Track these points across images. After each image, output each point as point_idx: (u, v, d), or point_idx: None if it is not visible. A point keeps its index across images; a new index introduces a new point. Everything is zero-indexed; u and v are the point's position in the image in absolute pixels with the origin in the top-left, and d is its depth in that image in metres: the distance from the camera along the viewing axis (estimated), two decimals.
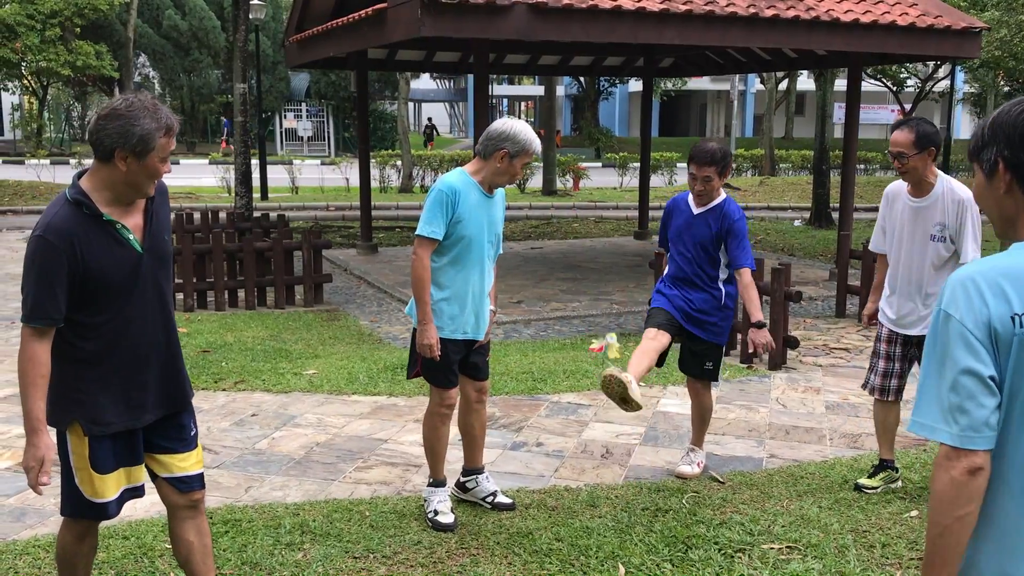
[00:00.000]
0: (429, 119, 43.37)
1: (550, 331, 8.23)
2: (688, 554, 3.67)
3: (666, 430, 5.30)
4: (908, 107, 22.65)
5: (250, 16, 16.36)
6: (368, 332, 8.14)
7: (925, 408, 1.63)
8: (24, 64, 23.15)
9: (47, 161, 27.09)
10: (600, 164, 31.01)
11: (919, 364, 4.31)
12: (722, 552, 3.69)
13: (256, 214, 13.51)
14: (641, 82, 15.29)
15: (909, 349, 4.32)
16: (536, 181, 23.16)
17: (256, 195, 17.71)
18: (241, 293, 9.26)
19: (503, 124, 3.79)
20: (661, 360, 4.40)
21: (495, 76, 37.22)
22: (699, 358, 4.44)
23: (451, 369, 3.90)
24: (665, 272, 4.54)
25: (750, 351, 4.18)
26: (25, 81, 27.44)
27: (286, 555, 3.63)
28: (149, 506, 3.99)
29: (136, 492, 2.81)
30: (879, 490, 4.36)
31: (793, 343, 6.83)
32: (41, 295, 2.49)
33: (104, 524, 3.88)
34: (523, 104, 57.46)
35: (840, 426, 5.44)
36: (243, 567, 3.53)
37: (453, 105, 59.40)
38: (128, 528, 3.83)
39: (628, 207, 19.23)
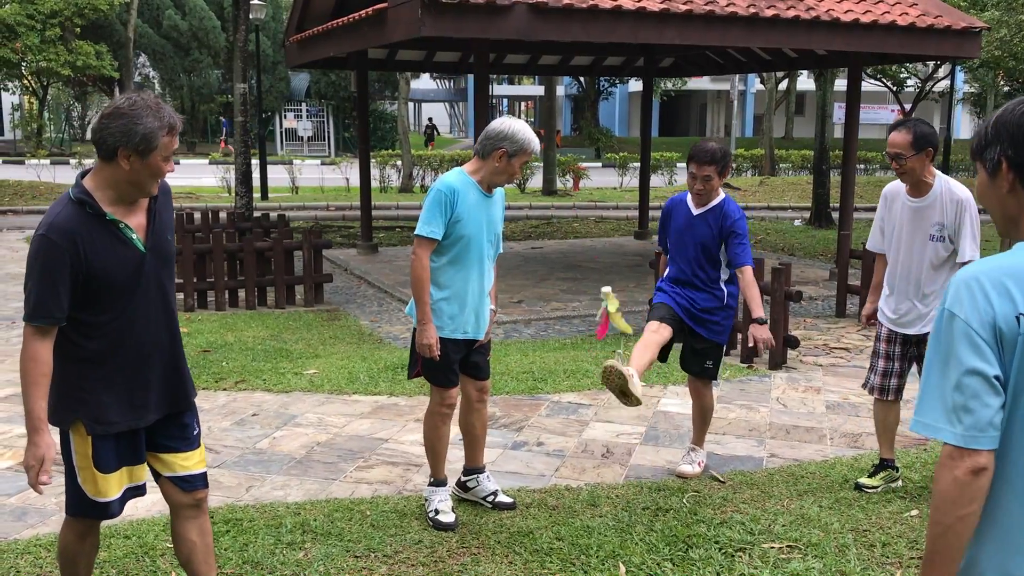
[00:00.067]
0: (430, 119, 43.38)
1: (550, 331, 8.24)
2: (689, 553, 3.68)
3: (667, 430, 5.30)
4: (908, 107, 22.66)
5: (250, 16, 16.36)
6: (368, 332, 8.14)
7: (928, 407, 1.62)
8: (24, 64, 23.16)
9: (47, 161, 27.10)
10: (600, 164, 31.02)
11: (919, 363, 4.33)
12: (723, 551, 3.70)
13: (256, 214, 13.51)
14: (641, 82, 15.30)
15: (908, 348, 4.33)
16: (536, 181, 23.16)
17: (256, 195, 17.72)
18: (241, 293, 9.27)
19: (501, 123, 3.79)
20: (664, 355, 4.40)
21: (495, 76, 37.22)
22: (700, 356, 4.45)
23: (451, 369, 3.91)
24: (665, 273, 4.54)
25: (750, 345, 4.18)
26: (25, 81, 27.45)
27: (287, 554, 3.63)
28: (150, 505, 4.00)
29: (138, 491, 2.82)
30: (879, 489, 4.37)
31: (793, 343, 6.84)
32: (44, 294, 2.50)
33: (106, 523, 3.88)
34: (523, 104, 57.46)
35: (840, 426, 5.44)
36: (244, 566, 3.53)
37: (453, 105, 59.41)
38: (129, 527, 3.84)
39: (628, 207, 19.24)
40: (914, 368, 4.39)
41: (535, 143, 3.78)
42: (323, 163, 29.60)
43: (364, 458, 4.80)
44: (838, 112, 23.61)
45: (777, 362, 6.77)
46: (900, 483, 4.45)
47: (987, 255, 1.89)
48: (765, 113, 29.84)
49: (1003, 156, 1.65)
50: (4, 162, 28.16)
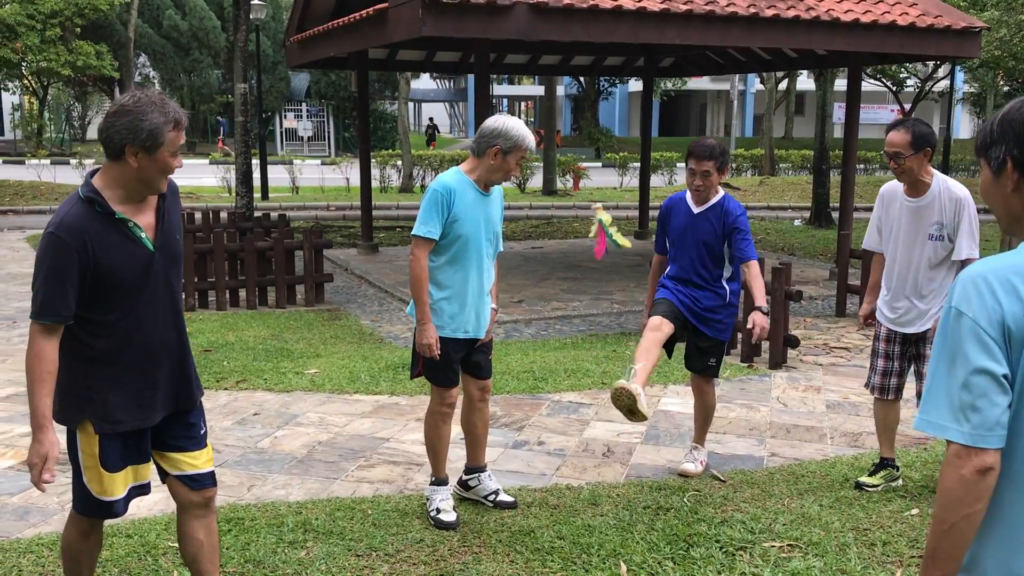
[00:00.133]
0: (431, 119, 43.39)
1: (551, 330, 8.24)
2: (690, 552, 3.68)
3: (667, 429, 5.31)
4: (908, 107, 22.66)
5: (250, 16, 16.37)
6: (369, 331, 8.15)
7: (934, 406, 1.61)
8: (24, 64, 23.16)
9: (47, 161, 27.09)
10: (600, 164, 31.02)
11: (917, 362, 4.34)
12: (723, 550, 3.71)
13: (257, 214, 13.51)
14: (641, 82, 15.30)
15: (908, 347, 4.34)
16: (536, 181, 23.17)
17: (256, 195, 17.73)
18: (242, 293, 9.27)
19: (495, 121, 3.79)
20: (670, 351, 4.42)
21: (495, 76, 37.21)
22: (704, 354, 4.46)
23: (452, 368, 3.91)
24: (666, 271, 4.53)
25: (748, 327, 4.16)
26: (25, 81, 27.45)
27: (289, 553, 3.64)
28: (152, 504, 4.01)
29: (143, 490, 2.82)
30: (880, 488, 4.38)
31: (793, 342, 6.84)
32: (51, 292, 2.50)
33: (108, 522, 3.90)
34: (523, 104, 57.46)
35: (841, 425, 5.45)
36: (246, 565, 3.54)
37: (453, 105, 59.41)
38: (131, 526, 3.84)
39: (628, 207, 19.23)
40: (912, 367, 4.40)
41: (529, 139, 3.78)
42: (323, 163, 29.61)
43: (365, 457, 4.81)
44: (838, 112, 23.63)
45: (777, 361, 6.78)
46: (900, 482, 4.46)
47: (986, 254, 1.90)
48: (765, 113, 29.85)
49: (1008, 156, 1.65)
50: (4, 162, 28.17)
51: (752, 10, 8.37)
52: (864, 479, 4.42)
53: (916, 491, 4.39)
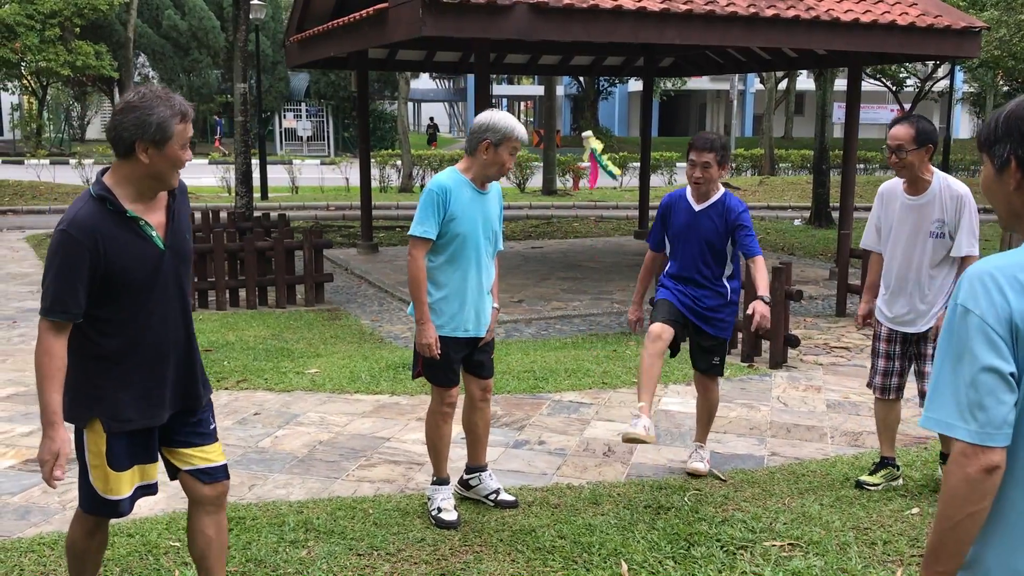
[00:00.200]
0: (431, 119, 43.43)
1: (551, 330, 8.25)
2: (690, 551, 3.69)
3: (668, 428, 5.31)
4: (908, 107, 22.68)
5: (250, 16, 16.37)
6: (369, 331, 8.15)
7: (940, 404, 1.60)
8: (24, 64, 23.16)
9: (47, 161, 27.11)
10: None
11: (918, 362, 4.34)
12: (724, 549, 3.71)
13: (256, 214, 13.51)
14: (641, 82, 15.30)
15: (908, 347, 4.34)
16: (536, 181, 23.18)
17: (256, 195, 17.72)
18: (242, 292, 9.28)
19: (483, 116, 3.81)
20: (674, 351, 4.41)
21: (495, 76, 37.23)
22: (708, 353, 4.45)
23: (452, 368, 3.91)
24: (666, 269, 4.50)
25: (749, 313, 4.14)
26: (25, 81, 27.44)
27: (290, 552, 3.64)
28: (153, 504, 4.01)
29: (149, 489, 2.81)
30: (880, 487, 4.38)
31: (794, 342, 6.85)
32: (62, 289, 2.50)
33: (110, 521, 3.90)
34: (523, 104, 57.46)
35: (841, 424, 5.45)
36: (247, 564, 3.54)
37: (453, 105, 59.42)
38: (133, 526, 3.84)
39: (628, 207, 19.25)
40: (913, 366, 4.40)
41: (519, 130, 3.77)
42: (323, 163, 29.61)
43: (366, 457, 4.81)
44: (838, 112, 23.62)
45: (778, 361, 6.79)
46: (901, 481, 4.47)
47: (986, 253, 1.90)
48: (765, 113, 29.85)
49: (1012, 155, 1.64)
50: (3, 162, 28.16)
51: (752, 10, 8.37)
52: (865, 478, 4.43)
53: (916, 490, 4.39)
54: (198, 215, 11.98)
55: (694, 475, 4.52)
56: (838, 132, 14.85)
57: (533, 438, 5.13)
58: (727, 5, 8.33)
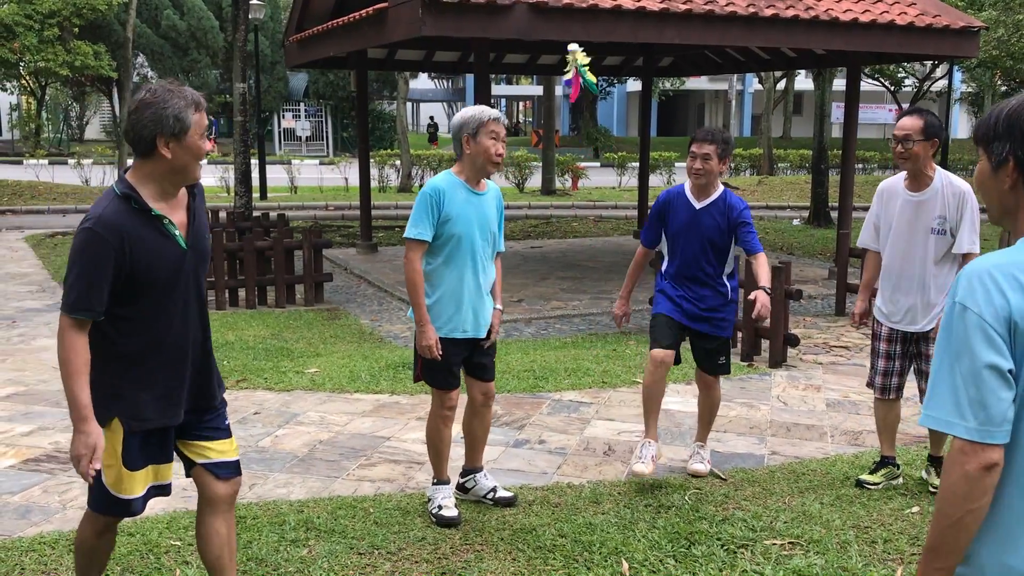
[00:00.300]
0: (431, 118, 43.46)
1: (551, 329, 8.25)
2: (691, 550, 3.69)
3: (668, 427, 5.31)
4: (906, 107, 22.67)
5: (249, 16, 16.36)
6: (369, 331, 8.16)
7: (940, 402, 1.60)
8: (22, 64, 23.12)
9: (45, 161, 27.09)
10: (599, 164, 31.03)
11: (918, 361, 4.34)
12: (725, 548, 3.71)
13: (255, 214, 13.51)
14: (639, 82, 15.31)
15: (908, 346, 4.33)
16: (535, 181, 23.18)
17: (255, 195, 17.72)
18: (242, 292, 9.27)
19: (454, 119, 3.87)
20: (677, 358, 4.42)
21: (494, 76, 37.24)
22: (714, 355, 4.45)
23: (451, 370, 3.91)
24: (664, 268, 4.47)
25: (751, 298, 4.13)
26: (23, 81, 27.41)
27: (291, 551, 3.65)
28: (154, 503, 3.98)
29: (162, 490, 2.81)
30: (880, 486, 4.38)
31: (793, 341, 6.85)
32: (86, 287, 2.49)
33: None
34: (521, 104, 57.47)
35: (841, 423, 5.46)
36: (248, 563, 3.54)
37: (451, 105, 59.39)
38: (133, 525, 3.84)
39: (627, 206, 19.26)
40: (913, 366, 4.40)
41: (488, 112, 3.80)
42: (322, 163, 29.60)
43: (366, 456, 4.81)
44: (836, 111, 23.63)
45: (777, 360, 6.79)
46: (901, 480, 4.47)
47: (985, 251, 1.90)
48: (763, 113, 29.86)
49: (1011, 155, 1.64)
50: (2, 162, 28.14)
51: (751, 10, 8.37)
52: (865, 477, 4.43)
53: (916, 489, 4.40)
54: None
55: (695, 476, 4.52)
56: (837, 132, 14.87)
57: (533, 437, 5.13)
58: (726, 5, 8.33)
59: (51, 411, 5.54)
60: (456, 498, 4.16)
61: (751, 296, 4.12)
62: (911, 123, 4.09)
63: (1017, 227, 1.67)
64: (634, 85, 40.34)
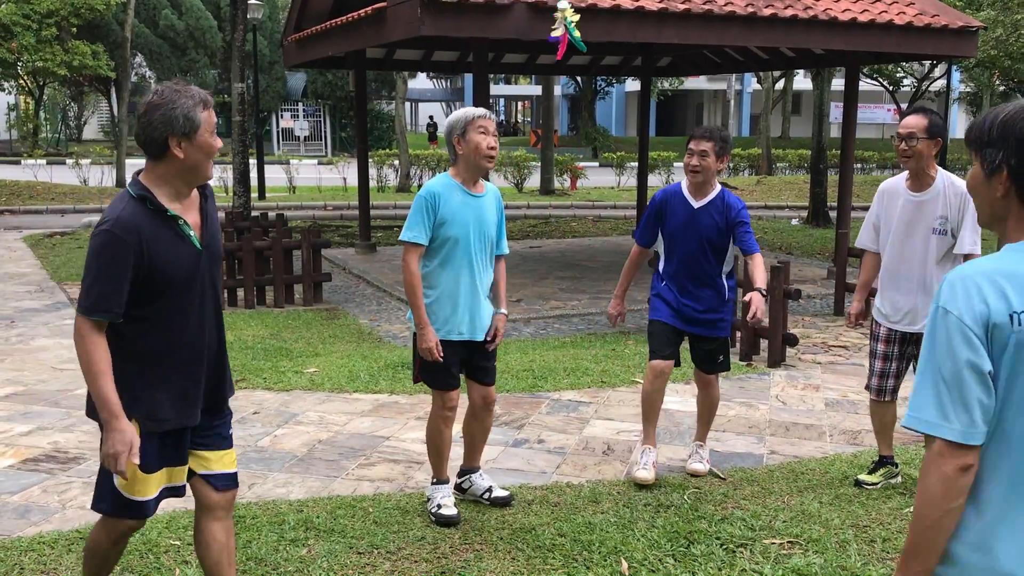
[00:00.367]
0: (431, 117, 43.49)
1: (550, 329, 8.25)
2: (690, 549, 3.69)
3: (667, 427, 5.32)
4: (904, 106, 22.69)
5: (247, 16, 16.35)
6: (368, 331, 8.16)
7: (923, 403, 1.63)
8: (20, 64, 23.11)
9: (43, 161, 27.06)
10: (597, 164, 31.03)
11: (915, 363, 4.33)
12: (724, 547, 3.72)
13: (254, 214, 13.50)
14: (638, 82, 15.31)
15: (907, 347, 4.32)
16: (534, 181, 23.18)
17: (253, 195, 17.70)
18: (240, 292, 9.27)
19: (444, 125, 3.93)
20: (677, 360, 4.42)
21: (492, 75, 37.25)
22: (712, 355, 4.46)
23: (449, 371, 3.91)
24: (661, 269, 4.46)
25: (745, 299, 4.13)
26: (21, 81, 27.39)
27: (291, 551, 3.65)
28: None
29: (176, 492, 2.80)
30: (879, 486, 4.39)
31: (792, 340, 6.86)
32: (106, 289, 2.49)
33: None
34: (520, 104, 57.47)
35: (840, 423, 5.46)
36: (248, 563, 3.54)
37: (450, 105, 59.37)
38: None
39: (626, 206, 19.26)
40: (911, 366, 4.40)
41: (473, 111, 3.86)
42: (320, 163, 29.58)
43: (365, 456, 4.82)
44: (835, 111, 23.65)
45: (776, 360, 6.80)
46: (899, 479, 4.47)
47: (987, 251, 1.91)
48: (762, 112, 29.88)
49: (1005, 163, 1.66)
50: (0, 162, 28.11)
51: (750, 9, 8.38)
52: (863, 477, 4.43)
53: (915, 488, 4.39)
54: None
55: (694, 475, 4.53)
56: (835, 132, 14.87)
57: (532, 437, 5.13)
58: (725, 5, 8.34)
59: (50, 411, 5.54)
60: (455, 497, 4.17)
61: (746, 298, 4.12)
62: (916, 121, 4.09)
63: (1006, 233, 1.69)
64: (632, 85, 40.36)
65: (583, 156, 31.43)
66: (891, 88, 23.56)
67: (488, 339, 3.98)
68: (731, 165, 28.19)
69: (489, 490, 4.13)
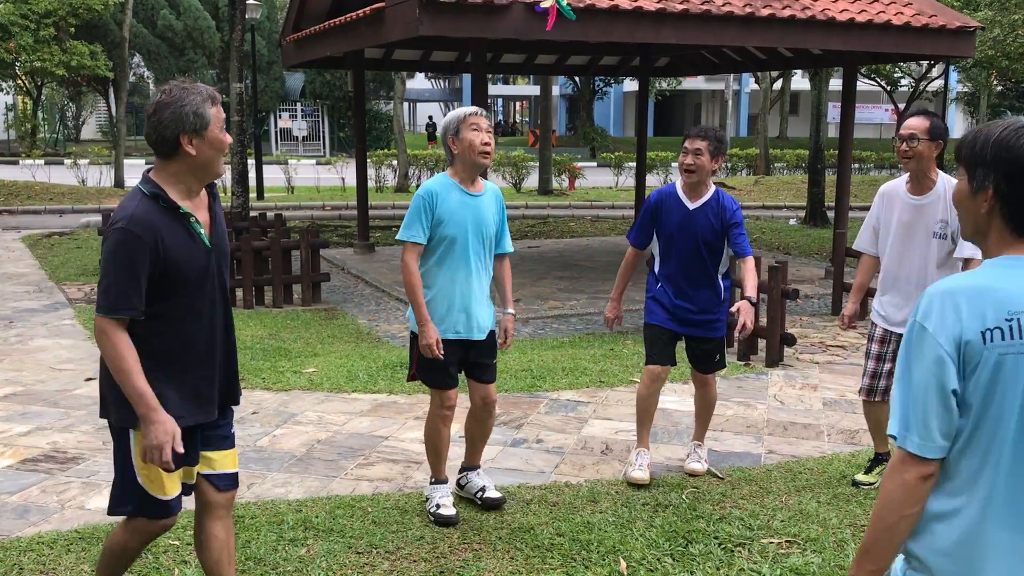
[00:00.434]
0: (430, 117, 43.52)
1: (548, 329, 8.26)
2: (688, 548, 3.70)
3: (665, 427, 5.33)
4: (902, 106, 22.74)
5: (246, 16, 16.35)
6: (367, 331, 8.16)
7: (892, 412, 1.72)
8: (18, 64, 23.09)
9: (41, 161, 27.04)
10: (595, 164, 31.04)
11: None
12: (722, 547, 3.73)
13: (252, 214, 13.50)
14: (636, 82, 15.32)
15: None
16: (532, 181, 23.18)
17: (252, 195, 17.71)
18: (239, 292, 9.27)
19: (439, 126, 3.96)
20: (672, 359, 4.43)
21: (491, 76, 37.24)
22: (709, 355, 4.46)
23: (446, 370, 3.91)
24: (657, 270, 4.45)
25: (733, 310, 4.12)
26: (19, 81, 27.37)
27: (290, 551, 3.65)
28: None
29: (187, 490, 2.80)
30: (875, 485, 4.40)
31: (790, 340, 6.87)
32: (127, 287, 2.49)
33: (107, 520, 3.91)
34: (518, 104, 57.48)
35: (837, 422, 5.47)
36: (247, 563, 3.55)
37: (448, 105, 59.39)
38: None
39: (624, 206, 19.27)
40: None
41: (465, 109, 3.89)
42: (318, 163, 29.56)
43: (364, 455, 4.82)
44: (833, 111, 23.68)
45: (774, 359, 6.81)
46: None
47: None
48: (760, 113, 29.91)
49: (992, 184, 1.69)
50: None
51: (748, 10, 8.39)
52: (860, 477, 4.44)
53: None
54: None
55: (692, 475, 4.54)
56: (833, 132, 14.89)
57: (531, 436, 5.14)
58: (723, 5, 8.35)
59: (48, 411, 5.54)
60: (455, 495, 4.17)
61: (733, 308, 4.10)
62: (918, 123, 4.10)
63: (987, 248, 1.74)
64: (631, 85, 40.37)
65: (581, 156, 31.44)
66: (889, 88, 23.59)
67: (499, 341, 4.03)
68: (729, 165, 28.23)
69: (483, 489, 4.11)
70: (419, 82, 49.24)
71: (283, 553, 3.63)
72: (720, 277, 4.38)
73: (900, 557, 1.80)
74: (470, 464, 4.20)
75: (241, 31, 14.53)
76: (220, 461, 2.82)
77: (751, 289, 4.16)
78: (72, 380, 6.25)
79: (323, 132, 37.40)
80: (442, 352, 3.80)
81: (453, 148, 3.84)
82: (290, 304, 9.34)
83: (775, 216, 18.78)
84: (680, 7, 8.10)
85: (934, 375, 1.64)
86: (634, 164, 14.71)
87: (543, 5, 4.34)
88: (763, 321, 7.01)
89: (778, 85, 35.24)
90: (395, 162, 23.68)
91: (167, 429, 2.52)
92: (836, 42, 9.03)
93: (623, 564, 3.56)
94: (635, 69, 14.63)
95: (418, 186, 22.98)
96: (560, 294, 9.68)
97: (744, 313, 4.03)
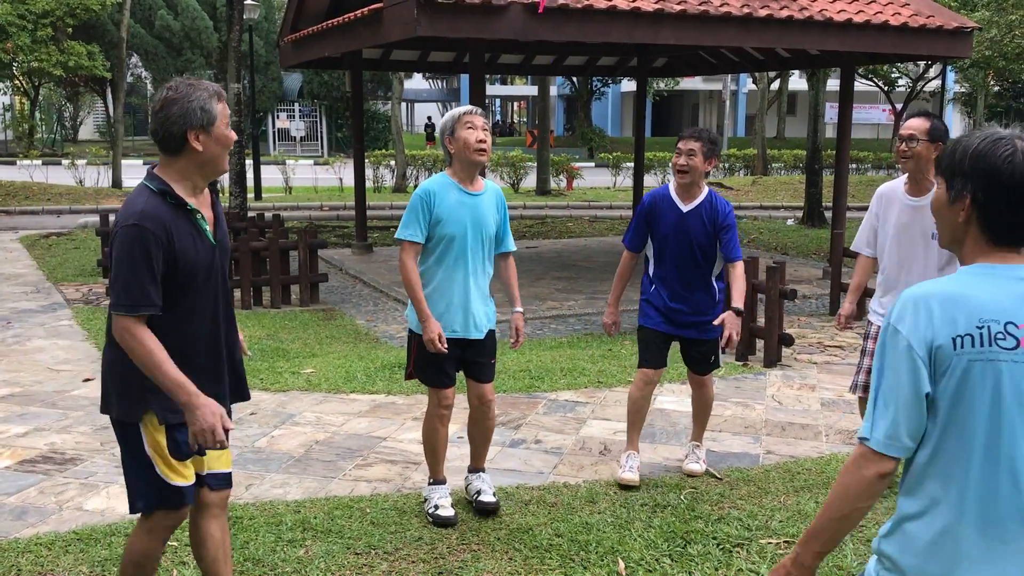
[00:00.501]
0: (429, 117, 43.53)
1: (546, 329, 8.26)
2: (687, 549, 3.71)
3: (663, 427, 5.33)
4: (899, 107, 22.76)
5: (243, 16, 16.33)
6: (365, 331, 8.16)
7: (867, 410, 1.76)
8: (15, 64, 23.05)
9: (39, 162, 27.00)
10: (593, 164, 31.05)
11: None
12: (720, 547, 3.73)
13: (250, 214, 13.49)
14: (634, 82, 15.32)
15: None
16: (530, 181, 23.18)
17: (250, 195, 17.70)
18: (237, 293, 9.26)
19: (437, 128, 3.95)
20: (664, 360, 4.44)
21: (489, 76, 37.24)
22: (705, 356, 4.46)
23: (442, 368, 3.91)
24: (651, 272, 4.43)
25: (717, 322, 4.13)
26: (16, 81, 27.34)
27: (288, 552, 3.65)
28: None
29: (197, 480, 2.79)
30: None
31: (788, 340, 6.88)
32: (144, 282, 2.48)
33: (107, 521, 3.91)
34: (516, 104, 57.48)
35: (836, 422, 5.48)
36: (245, 564, 3.55)
37: (446, 105, 59.38)
38: (130, 524, 3.84)
39: (622, 207, 19.28)
40: None
41: (460, 109, 3.90)
42: (316, 163, 29.55)
43: (363, 456, 4.82)
44: (830, 112, 23.70)
45: (772, 360, 6.81)
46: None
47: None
48: (757, 113, 29.92)
49: (970, 194, 1.72)
50: None
51: (746, 10, 8.40)
52: None
53: None
54: None
55: (691, 475, 4.54)
56: (831, 132, 14.90)
57: (529, 437, 5.14)
58: (721, 5, 8.36)
59: (46, 412, 5.53)
60: (456, 494, 4.17)
61: (717, 322, 4.12)
62: (918, 124, 4.11)
63: (963, 256, 1.78)
64: (628, 85, 40.36)
65: (579, 156, 31.45)
66: (886, 88, 23.63)
67: (511, 340, 4.07)
68: (727, 165, 28.24)
69: (478, 493, 4.08)
70: (417, 82, 49.25)
71: (281, 554, 3.63)
72: (714, 279, 4.38)
73: (873, 558, 1.85)
74: (473, 466, 4.20)
75: (239, 31, 14.51)
76: (216, 460, 2.82)
77: (738, 299, 4.18)
78: (70, 381, 6.24)
79: (321, 132, 37.39)
80: (446, 346, 3.79)
81: (450, 147, 3.86)
82: (288, 305, 9.34)
83: (773, 216, 18.79)
84: (678, 8, 8.11)
85: (906, 377, 1.68)
86: (632, 164, 14.71)
87: None
88: (761, 321, 7.02)
89: (775, 85, 35.26)
90: (393, 162, 23.68)
91: (213, 411, 2.52)
92: (833, 42, 9.05)
93: (621, 565, 3.57)
94: (633, 69, 14.64)
95: (416, 186, 23.08)
96: (558, 294, 9.68)
97: (729, 325, 4.07)
